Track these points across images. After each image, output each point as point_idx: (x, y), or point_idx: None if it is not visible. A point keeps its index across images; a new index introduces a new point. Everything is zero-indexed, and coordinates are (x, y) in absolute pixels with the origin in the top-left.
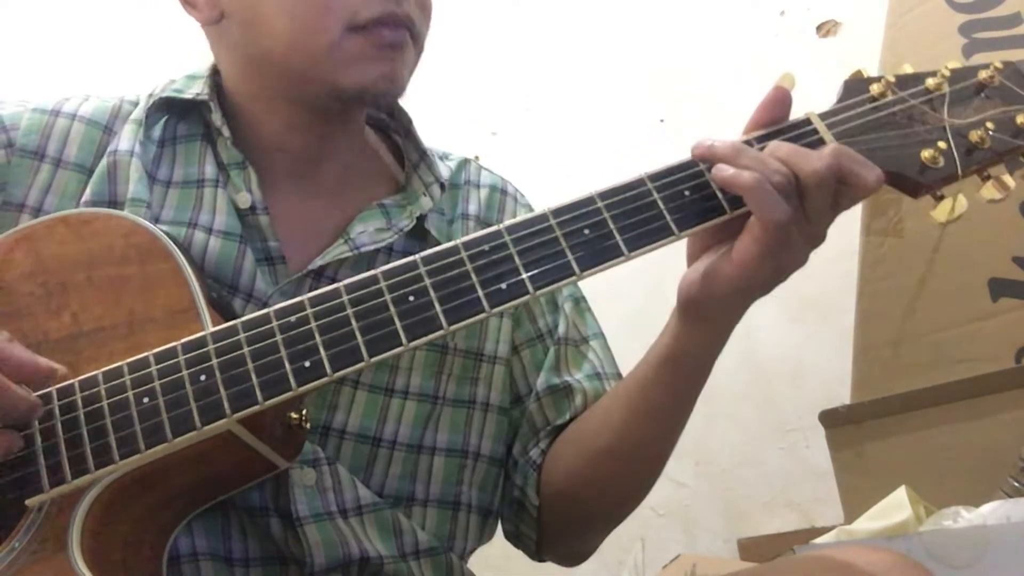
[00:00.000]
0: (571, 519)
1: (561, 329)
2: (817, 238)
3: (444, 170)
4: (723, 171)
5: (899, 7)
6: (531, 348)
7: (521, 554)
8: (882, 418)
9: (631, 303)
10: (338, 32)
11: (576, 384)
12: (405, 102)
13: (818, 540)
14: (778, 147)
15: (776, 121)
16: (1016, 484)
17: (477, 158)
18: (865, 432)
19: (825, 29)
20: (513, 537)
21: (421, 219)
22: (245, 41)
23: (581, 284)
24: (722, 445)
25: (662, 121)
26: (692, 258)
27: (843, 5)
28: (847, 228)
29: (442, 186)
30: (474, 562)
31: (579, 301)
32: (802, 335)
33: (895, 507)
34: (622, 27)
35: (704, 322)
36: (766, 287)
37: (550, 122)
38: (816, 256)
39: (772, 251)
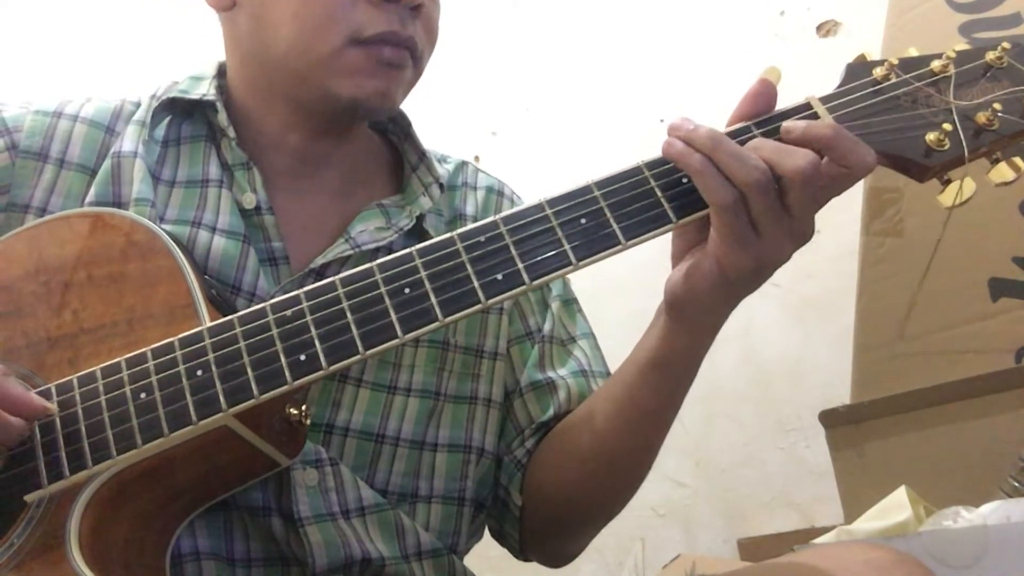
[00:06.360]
0: (554, 520)
1: (547, 327)
2: (802, 235)
3: (442, 172)
4: (673, 146)
5: (899, 7)
6: (520, 345)
7: None
8: (882, 418)
9: (631, 302)
10: (340, 42)
11: (560, 380)
12: (406, 102)
13: (818, 540)
14: (762, 145)
15: (760, 114)
16: (1016, 484)
17: (477, 158)
18: (865, 432)
19: (825, 29)
20: (498, 535)
21: (420, 219)
22: (250, 35)
23: (582, 284)
24: (722, 445)
25: (662, 121)
26: (676, 258)
27: (843, 5)
28: (847, 228)
29: (441, 187)
30: (475, 562)
31: (569, 302)
32: (802, 335)
33: (895, 507)
34: (621, 27)
35: (690, 322)
36: (749, 283)
37: (550, 122)
38: (816, 256)
39: (737, 238)
